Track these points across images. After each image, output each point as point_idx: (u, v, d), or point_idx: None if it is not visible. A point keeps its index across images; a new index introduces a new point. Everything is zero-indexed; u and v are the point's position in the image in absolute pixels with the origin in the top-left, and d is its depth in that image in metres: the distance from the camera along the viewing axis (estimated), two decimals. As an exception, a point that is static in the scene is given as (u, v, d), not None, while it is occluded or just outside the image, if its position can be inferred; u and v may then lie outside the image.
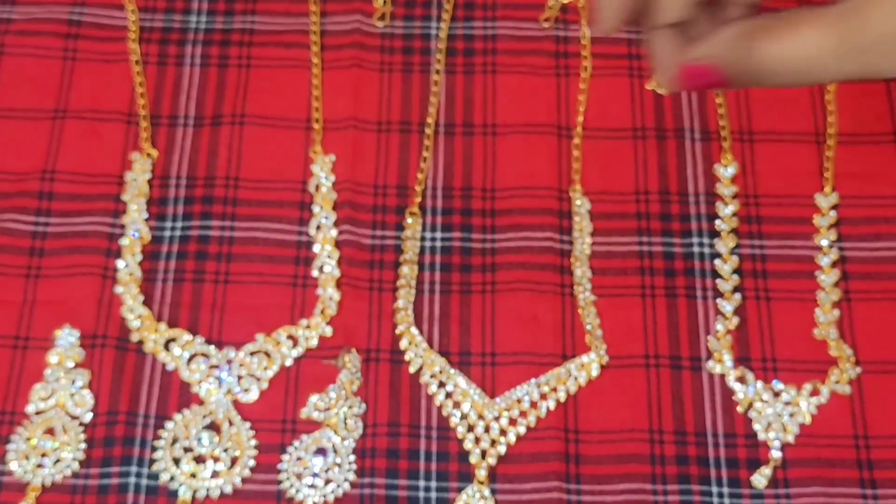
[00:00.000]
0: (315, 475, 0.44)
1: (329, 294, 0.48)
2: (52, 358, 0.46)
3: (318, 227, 0.49)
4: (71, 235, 0.49)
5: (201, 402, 0.46)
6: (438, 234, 0.49)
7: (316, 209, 0.50)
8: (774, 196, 0.50)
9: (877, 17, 0.29)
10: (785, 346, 0.47)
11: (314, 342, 0.47)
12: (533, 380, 0.46)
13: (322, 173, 0.50)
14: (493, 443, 0.45)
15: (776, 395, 0.46)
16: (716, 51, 0.33)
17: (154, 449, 0.45)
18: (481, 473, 0.44)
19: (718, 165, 0.50)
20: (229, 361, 0.47)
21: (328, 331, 0.47)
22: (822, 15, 0.31)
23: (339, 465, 0.44)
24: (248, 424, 0.45)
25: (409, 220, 0.49)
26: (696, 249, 0.49)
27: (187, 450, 0.45)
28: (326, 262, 0.48)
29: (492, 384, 0.46)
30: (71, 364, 0.46)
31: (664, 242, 0.49)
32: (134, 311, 0.47)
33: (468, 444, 0.45)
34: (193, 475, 0.44)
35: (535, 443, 0.45)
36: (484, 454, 0.45)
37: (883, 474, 0.44)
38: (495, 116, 0.52)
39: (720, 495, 0.44)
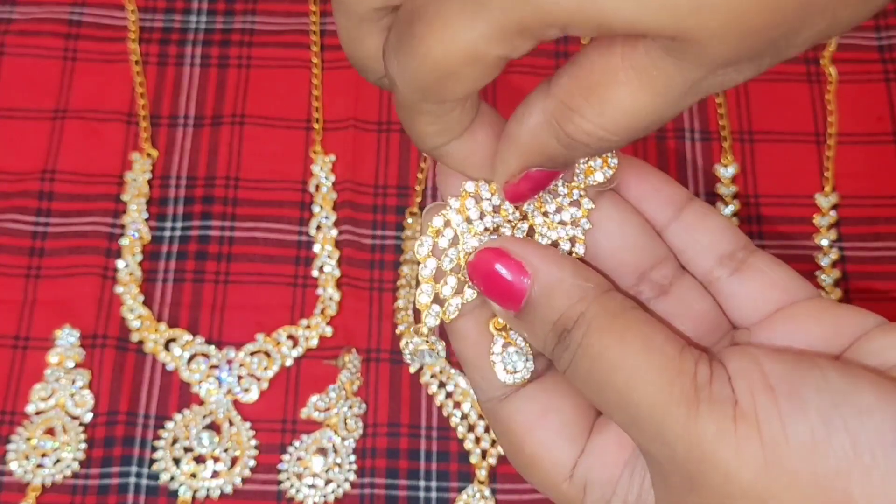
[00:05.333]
0: (315, 475, 0.44)
1: (329, 294, 0.48)
2: (52, 358, 0.46)
3: (318, 227, 0.49)
4: (71, 235, 0.49)
5: (201, 402, 0.46)
6: (438, 234, 0.49)
7: (316, 209, 0.50)
8: (774, 196, 0.50)
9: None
10: (785, 346, 0.47)
11: (314, 342, 0.47)
12: (533, 380, 0.46)
13: (322, 173, 0.50)
14: (494, 443, 0.45)
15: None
16: (527, 151, 0.26)
17: (154, 449, 0.45)
18: (482, 473, 0.44)
19: (718, 165, 0.50)
20: (229, 361, 0.47)
21: (328, 331, 0.47)
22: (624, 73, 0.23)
23: (339, 465, 0.44)
24: (248, 424, 0.45)
25: (409, 220, 0.49)
26: (696, 249, 0.49)
27: (187, 450, 0.45)
28: (326, 262, 0.48)
29: (492, 384, 0.46)
30: (71, 364, 0.46)
31: (664, 242, 0.49)
32: (134, 311, 0.47)
33: (468, 444, 0.45)
34: (194, 475, 0.44)
35: (535, 443, 0.45)
36: (484, 454, 0.45)
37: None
38: (495, 116, 0.52)
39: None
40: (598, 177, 0.27)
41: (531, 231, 0.28)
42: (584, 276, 0.26)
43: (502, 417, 0.28)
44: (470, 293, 0.27)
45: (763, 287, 0.28)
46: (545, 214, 0.27)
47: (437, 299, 0.27)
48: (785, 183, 0.50)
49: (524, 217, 0.27)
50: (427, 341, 0.29)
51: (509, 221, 0.28)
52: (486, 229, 0.27)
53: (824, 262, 0.48)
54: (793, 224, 0.49)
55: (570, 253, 0.27)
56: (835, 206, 0.49)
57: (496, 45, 0.23)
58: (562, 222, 0.27)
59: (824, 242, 0.48)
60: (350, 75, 0.53)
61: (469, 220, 0.27)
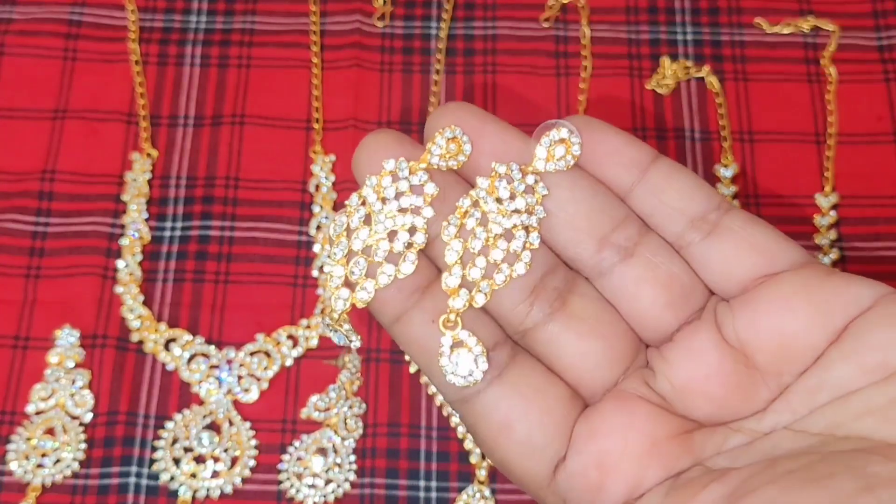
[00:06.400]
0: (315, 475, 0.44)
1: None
2: (52, 358, 0.46)
3: (318, 227, 0.49)
4: (71, 235, 0.49)
5: (201, 402, 0.46)
6: (438, 234, 0.49)
7: (316, 209, 0.50)
8: (774, 196, 0.50)
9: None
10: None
11: (314, 342, 0.47)
12: (533, 380, 0.46)
13: (322, 173, 0.50)
14: (494, 443, 0.45)
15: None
16: None
17: (154, 449, 0.45)
18: (482, 473, 0.44)
19: (718, 165, 0.50)
20: (229, 361, 0.47)
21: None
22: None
23: (339, 465, 0.44)
24: (248, 424, 0.45)
25: (409, 220, 0.49)
26: (696, 249, 0.49)
27: (187, 450, 0.45)
28: (327, 262, 0.49)
29: (492, 384, 0.46)
30: (71, 364, 0.46)
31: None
32: (134, 311, 0.47)
33: (468, 444, 0.45)
34: (194, 475, 0.44)
35: (535, 443, 0.45)
36: (484, 454, 0.45)
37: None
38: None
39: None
40: (560, 164, 0.26)
41: (466, 217, 0.26)
42: None
43: (469, 421, 0.26)
44: (384, 278, 0.26)
45: (739, 250, 0.25)
46: (498, 201, 0.26)
47: (349, 283, 0.26)
48: (785, 183, 0.50)
49: (475, 203, 0.26)
50: (337, 328, 0.27)
51: (430, 204, 0.26)
52: (402, 209, 0.26)
53: (824, 262, 0.48)
54: (793, 224, 0.49)
55: (525, 243, 0.26)
56: (835, 206, 0.49)
57: None
58: (516, 210, 0.26)
59: (824, 242, 0.48)
60: (350, 75, 0.53)
61: (384, 200, 0.26)
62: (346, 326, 0.27)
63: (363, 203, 0.26)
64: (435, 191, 0.26)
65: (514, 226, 0.26)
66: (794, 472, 0.21)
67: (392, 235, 0.26)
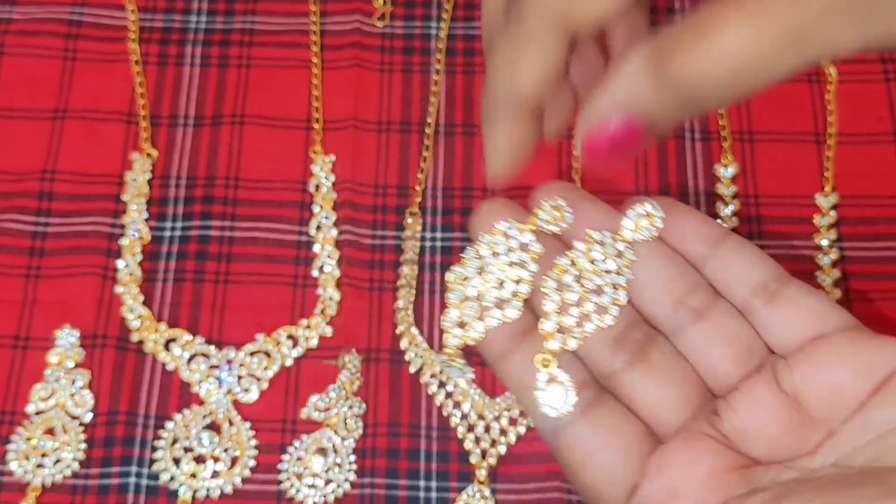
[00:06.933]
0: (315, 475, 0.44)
1: (329, 294, 0.48)
2: (52, 358, 0.46)
3: (318, 227, 0.49)
4: (71, 235, 0.49)
5: (201, 402, 0.46)
6: (438, 234, 0.49)
7: (316, 209, 0.50)
8: (774, 196, 0.50)
9: None
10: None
11: (314, 342, 0.47)
12: (533, 380, 0.46)
13: (322, 173, 0.50)
14: (494, 443, 0.45)
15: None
16: (620, 94, 0.25)
17: (154, 449, 0.45)
18: (482, 473, 0.44)
19: (718, 165, 0.50)
20: (229, 361, 0.47)
21: (328, 331, 0.47)
22: None
23: (339, 465, 0.44)
24: (248, 424, 0.45)
25: (409, 220, 0.49)
26: (696, 249, 0.49)
27: (187, 450, 0.45)
28: (326, 262, 0.48)
29: (492, 384, 0.46)
30: (71, 364, 0.46)
31: (664, 242, 0.49)
32: (134, 311, 0.47)
33: (468, 444, 0.45)
34: (194, 475, 0.44)
35: (535, 443, 0.45)
36: (484, 454, 0.45)
37: (883, 474, 0.44)
38: (495, 116, 0.52)
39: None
40: (645, 234, 0.31)
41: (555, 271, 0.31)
42: None
43: (558, 448, 0.31)
44: (492, 321, 0.31)
45: (797, 316, 0.29)
46: (592, 261, 0.31)
47: (462, 323, 0.31)
48: (785, 183, 0.50)
49: (573, 262, 0.31)
50: (451, 362, 0.32)
51: (535, 259, 0.31)
52: (511, 263, 0.31)
53: (824, 262, 0.48)
54: (793, 224, 0.49)
55: (613, 299, 0.30)
56: (835, 206, 0.49)
57: None
58: (607, 270, 0.31)
59: (824, 242, 0.48)
60: (350, 75, 0.53)
61: (496, 255, 0.31)
62: (460, 361, 0.32)
63: (478, 256, 0.31)
64: (540, 249, 0.31)
65: (605, 284, 0.31)
66: (831, 478, 0.26)
67: (501, 285, 0.31)
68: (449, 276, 0.31)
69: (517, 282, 0.31)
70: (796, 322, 0.29)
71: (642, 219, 0.31)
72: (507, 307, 0.31)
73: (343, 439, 0.45)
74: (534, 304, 0.31)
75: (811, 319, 0.29)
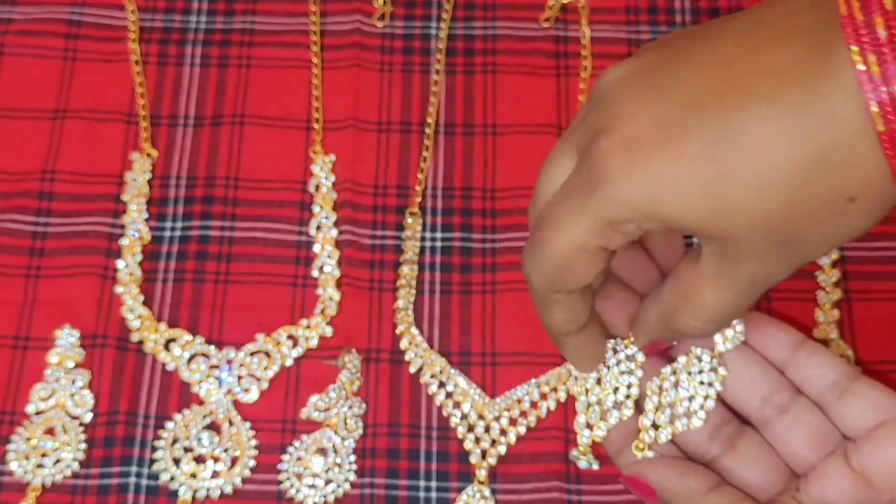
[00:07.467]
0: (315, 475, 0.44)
1: (329, 294, 0.48)
2: (52, 358, 0.46)
3: (318, 227, 0.49)
4: (71, 235, 0.49)
5: (201, 402, 0.46)
6: (438, 234, 0.49)
7: (316, 209, 0.50)
8: (774, 196, 0.50)
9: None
10: (785, 346, 0.47)
11: (314, 342, 0.47)
12: (533, 380, 0.46)
13: (322, 173, 0.50)
14: (494, 443, 0.45)
15: (776, 395, 0.46)
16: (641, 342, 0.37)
17: (154, 449, 0.45)
18: (481, 473, 0.44)
19: (718, 165, 0.50)
20: (229, 361, 0.47)
21: (328, 331, 0.47)
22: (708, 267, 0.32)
23: (339, 465, 0.44)
24: (248, 424, 0.45)
25: (409, 220, 0.49)
26: (696, 249, 0.49)
27: (187, 450, 0.45)
28: (326, 262, 0.48)
29: (492, 384, 0.46)
30: (71, 364, 0.46)
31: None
32: (134, 311, 0.47)
33: (468, 444, 0.45)
34: (193, 475, 0.44)
35: (535, 443, 0.45)
36: (484, 454, 0.45)
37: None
38: (495, 116, 0.52)
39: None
40: (730, 345, 0.36)
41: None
42: (691, 480, 0.35)
43: None
44: (612, 420, 0.37)
45: (863, 407, 0.35)
46: (689, 373, 0.37)
47: (588, 424, 0.38)
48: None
49: (673, 371, 0.37)
50: (584, 457, 0.42)
51: (640, 367, 0.38)
52: (622, 372, 0.37)
53: (824, 262, 0.48)
54: (793, 224, 0.49)
55: (703, 405, 0.36)
56: (835, 206, 0.49)
57: (596, 237, 0.31)
58: (701, 382, 0.36)
59: (824, 242, 0.48)
60: (350, 75, 0.53)
61: (608, 367, 0.38)
62: (590, 456, 0.42)
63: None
64: (643, 359, 0.37)
65: (697, 393, 0.36)
66: None
67: (615, 391, 0.37)
68: (573, 388, 0.39)
69: (628, 387, 0.37)
70: (863, 412, 0.35)
71: (728, 329, 0.36)
72: (623, 408, 0.37)
73: (343, 439, 0.45)
74: (638, 402, 0.38)
75: (875, 409, 0.34)
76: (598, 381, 0.38)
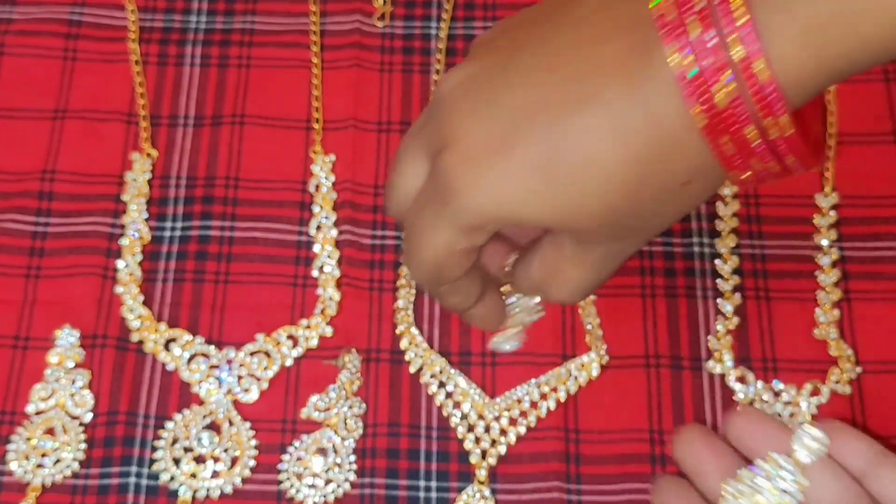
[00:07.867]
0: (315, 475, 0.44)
1: (329, 294, 0.48)
2: (52, 358, 0.46)
3: (318, 227, 0.49)
4: (71, 235, 0.49)
5: (201, 402, 0.46)
6: (438, 234, 0.49)
7: (316, 209, 0.50)
8: (774, 196, 0.50)
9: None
10: (785, 346, 0.47)
11: (314, 342, 0.47)
12: (533, 380, 0.46)
13: (322, 173, 0.50)
14: (494, 443, 0.45)
15: (776, 394, 0.46)
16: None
17: (154, 449, 0.45)
18: (481, 473, 0.44)
19: (718, 165, 0.50)
20: (229, 361, 0.47)
21: (328, 331, 0.47)
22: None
23: (339, 465, 0.44)
24: (248, 424, 0.45)
25: (410, 220, 0.49)
26: (696, 249, 0.49)
27: (187, 450, 0.45)
28: (326, 262, 0.48)
29: (492, 384, 0.46)
30: (71, 364, 0.46)
31: (664, 242, 0.49)
32: (134, 311, 0.47)
33: (468, 444, 0.45)
34: (193, 475, 0.44)
35: (535, 443, 0.45)
36: (484, 454, 0.45)
37: (883, 474, 0.44)
38: (495, 116, 0.52)
39: (720, 495, 0.44)
40: (814, 457, 0.38)
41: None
42: None
43: None
44: None
45: None
46: (769, 478, 0.38)
47: None
48: (785, 183, 0.50)
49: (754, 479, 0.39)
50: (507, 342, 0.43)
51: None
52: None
53: (824, 262, 0.48)
54: (793, 224, 0.49)
55: None
56: (835, 206, 0.49)
57: (460, 241, 0.33)
58: (784, 490, 0.38)
59: (824, 242, 0.48)
60: (350, 75, 0.53)
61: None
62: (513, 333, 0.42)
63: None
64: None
65: (780, 502, 0.38)
66: None
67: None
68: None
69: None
70: None
71: (813, 443, 0.38)
72: None
73: (343, 439, 0.45)
74: None
75: None
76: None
